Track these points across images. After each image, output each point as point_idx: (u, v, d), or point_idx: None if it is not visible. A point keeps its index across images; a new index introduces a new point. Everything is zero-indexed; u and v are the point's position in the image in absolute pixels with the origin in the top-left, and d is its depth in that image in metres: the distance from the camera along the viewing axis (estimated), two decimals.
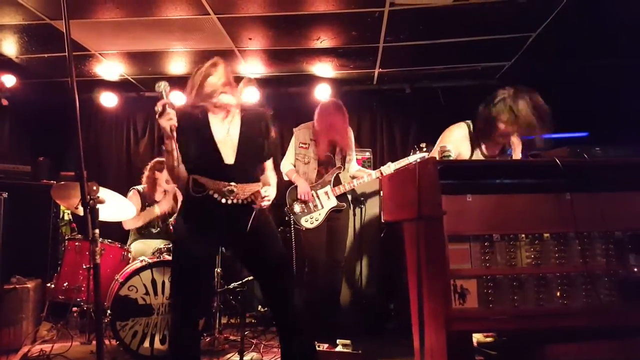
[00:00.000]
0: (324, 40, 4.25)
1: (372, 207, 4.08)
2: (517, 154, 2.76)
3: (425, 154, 3.49)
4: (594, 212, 2.02)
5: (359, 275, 3.96)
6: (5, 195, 3.03)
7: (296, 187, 3.59)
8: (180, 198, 4.35)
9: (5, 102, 1.74)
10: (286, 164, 3.73)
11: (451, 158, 2.25)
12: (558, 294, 1.98)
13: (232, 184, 2.16)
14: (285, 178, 3.73)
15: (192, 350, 2.23)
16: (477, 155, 2.76)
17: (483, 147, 2.76)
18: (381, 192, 3.95)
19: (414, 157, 3.52)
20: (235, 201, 2.18)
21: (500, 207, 2.03)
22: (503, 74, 5.02)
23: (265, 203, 2.26)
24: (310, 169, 3.64)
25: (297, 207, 3.59)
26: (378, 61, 4.76)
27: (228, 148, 2.22)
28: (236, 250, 2.38)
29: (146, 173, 4.19)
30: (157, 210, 4.02)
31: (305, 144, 3.67)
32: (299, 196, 3.56)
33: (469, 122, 2.79)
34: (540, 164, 2.17)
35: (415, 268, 2.16)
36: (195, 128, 2.22)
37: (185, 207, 2.29)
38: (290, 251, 3.81)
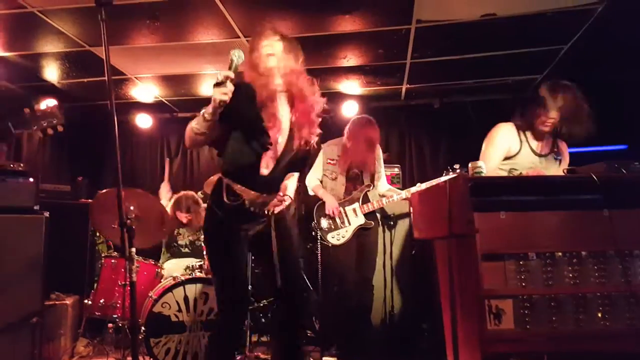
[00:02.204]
0: (350, 58, 4.29)
1: (402, 225, 4.03)
2: (565, 160, 2.73)
3: None
4: (635, 229, 1.95)
5: (390, 293, 3.90)
6: (47, 214, 3.13)
7: (324, 202, 3.59)
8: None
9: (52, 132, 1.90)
10: (312, 179, 3.73)
11: (483, 174, 2.21)
12: (599, 314, 1.91)
13: (264, 195, 2.12)
14: (311, 193, 3.73)
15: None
16: (526, 150, 2.73)
17: (532, 143, 2.75)
18: (411, 209, 3.91)
19: (447, 179, 3.47)
20: (267, 212, 2.15)
21: (535, 224, 1.99)
22: (535, 87, 4.93)
23: (284, 203, 2.18)
24: (338, 185, 3.63)
25: (324, 223, 3.58)
26: (405, 77, 4.75)
27: (270, 156, 2.13)
28: (259, 247, 2.24)
29: (168, 211, 4.18)
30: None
31: (333, 160, 3.67)
32: (326, 212, 3.56)
33: (515, 122, 2.80)
34: (576, 179, 2.11)
35: (448, 287, 2.12)
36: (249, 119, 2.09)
37: (218, 210, 2.15)
38: (317, 267, 3.81)
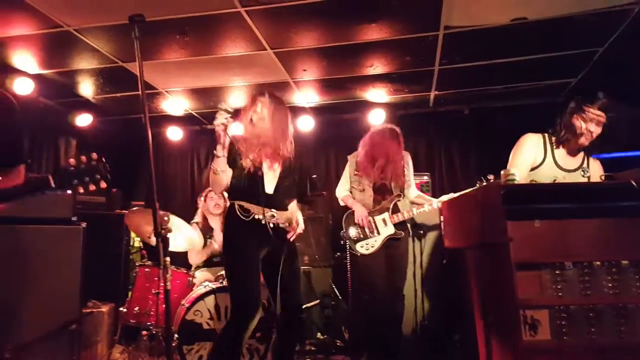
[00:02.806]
0: (377, 66, 4.28)
1: (432, 234, 3.98)
2: (594, 175, 2.64)
3: None
4: None
5: (421, 303, 3.85)
6: (84, 225, 3.23)
7: (353, 212, 3.58)
8: None
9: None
10: (341, 190, 3.72)
11: (516, 182, 2.17)
12: None
13: (273, 210, 2.49)
14: (342, 203, 3.72)
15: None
16: (549, 163, 2.66)
17: (558, 156, 2.68)
18: (441, 218, 3.85)
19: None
20: (276, 224, 2.50)
21: (571, 232, 1.93)
22: (570, 90, 4.80)
23: (297, 231, 2.60)
24: (367, 196, 3.60)
25: (353, 232, 3.56)
26: (434, 84, 4.72)
27: (270, 179, 2.55)
28: (268, 264, 2.53)
29: (200, 204, 4.36)
30: (216, 245, 4.14)
31: (359, 171, 3.65)
32: (355, 221, 3.54)
33: (545, 134, 2.73)
34: (614, 185, 2.04)
35: (481, 297, 2.08)
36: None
37: (234, 227, 2.51)
38: (346, 276, 3.79)
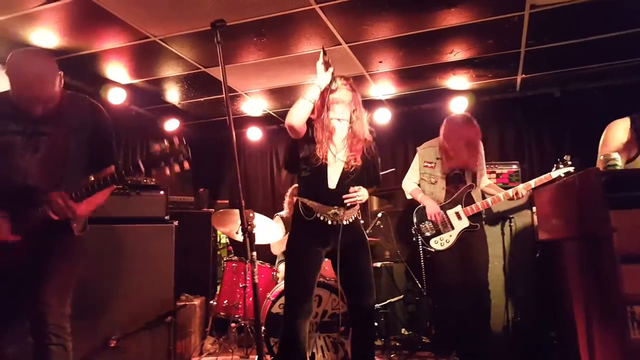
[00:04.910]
0: (457, 52, 4.11)
1: (522, 224, 3.74)
2: None
3: (571, 169, 3.10)
4: None
5: (513, 299, 3.64)
6: (176, 223, 3.43)
7: (424, 207, 3.45)
8: None
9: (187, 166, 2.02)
10: (409, 183, 3.58)
11: (618, 167, 1.97)
12: None
13: (336, 207, 2.38)
14: (409, 197, 3.61)
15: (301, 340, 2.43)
16: None
17: None
18: (533, 208, 3.61)
19: (558, 173, 3.15)
20: (339, 222, 2.40)
21: None
22: None
23: (356, 199, 2.38)
24: (438, 188, 3.44)
25: (425, 228, 3.43)
26: (520, 67, 4.44)
27: (334, 173, 2.43)
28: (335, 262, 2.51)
29: (287, 199, 4.44)
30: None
31: (430, 162, 3.49)
32: (428, 217, 3.40)
33: (633, 116, 2.41)
34: None
35: (582, 293, 1.92)
36: (310, 151, 2.45)
37: (297, 225, 2.50)
38: (420, 273, 3.68)
